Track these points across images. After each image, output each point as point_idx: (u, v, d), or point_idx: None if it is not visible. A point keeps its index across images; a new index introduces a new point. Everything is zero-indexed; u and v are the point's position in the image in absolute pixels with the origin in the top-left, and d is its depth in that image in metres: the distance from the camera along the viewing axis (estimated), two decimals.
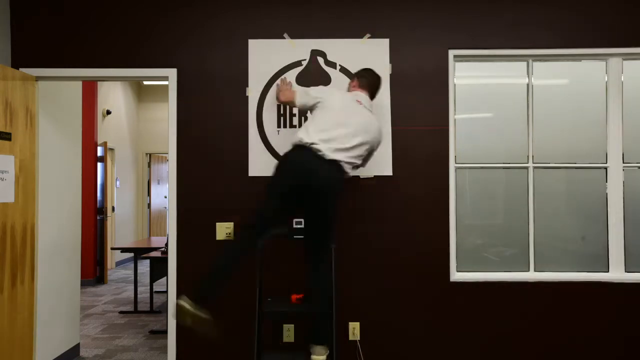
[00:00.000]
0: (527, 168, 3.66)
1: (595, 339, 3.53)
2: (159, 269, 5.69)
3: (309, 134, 2.93)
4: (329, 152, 2.88)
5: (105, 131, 8.70)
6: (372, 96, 3.23)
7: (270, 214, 2.94)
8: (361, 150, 3.01)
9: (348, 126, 2.95)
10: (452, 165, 3.59)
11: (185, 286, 3.53)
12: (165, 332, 4.76)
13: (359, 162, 3.06)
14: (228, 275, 2.86)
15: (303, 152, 2.91)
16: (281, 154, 3.45)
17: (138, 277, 6.22)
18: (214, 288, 2.83)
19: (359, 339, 3.53)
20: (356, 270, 3.55)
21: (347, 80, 3.52)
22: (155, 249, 6.09)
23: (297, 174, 2.90)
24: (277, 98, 3.49)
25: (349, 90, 3.27)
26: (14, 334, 3.37)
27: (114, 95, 9.23)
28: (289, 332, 3.52)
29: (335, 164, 2.90)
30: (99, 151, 7.88)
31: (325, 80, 3.57)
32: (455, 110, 3.63)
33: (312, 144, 2.88)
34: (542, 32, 3.60)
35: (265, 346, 3.50)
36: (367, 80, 3.22)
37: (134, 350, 4.55)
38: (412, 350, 3.53)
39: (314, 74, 3.57)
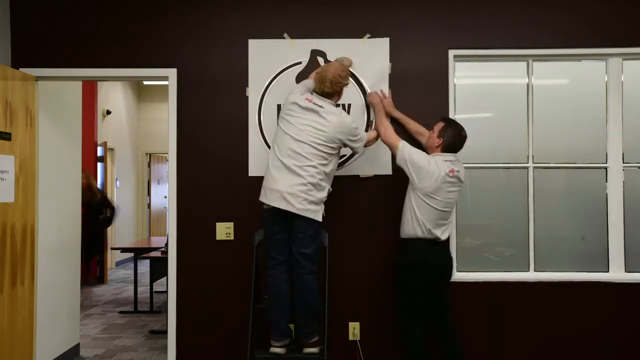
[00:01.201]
0: (527, 168, 3.66)
1: (595, 338, 3.53)
2: (159, 269, 5.70)
3: (426, 225, 3.10)
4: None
5: (105, 131, 8.69)
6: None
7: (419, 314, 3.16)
8: None
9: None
10: None
11: (185, 286, 3.54)
12: (165, 332, 4.75)
13: None
14: None
15: (439, 252, 3.18)
16: None
17: (138, 277, 6.22)
18: None
19: (359, 339, 3.52)
20: (356, 269, 3.54)
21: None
22: (155, 249, 6.10)
23: (435, 273, 3.17)
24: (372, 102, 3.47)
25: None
26: (14, 334, 3.37)
27: (114, 95, 9.24)
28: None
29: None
30: (99, 151, 7.89)
31: None
32: (455, 110, 3.62)
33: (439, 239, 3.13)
34: (542, 32, 3.60)
35: (267, 345, 3.49)
36: None
37: (134, 350, 4.55)
38: None
39: None
